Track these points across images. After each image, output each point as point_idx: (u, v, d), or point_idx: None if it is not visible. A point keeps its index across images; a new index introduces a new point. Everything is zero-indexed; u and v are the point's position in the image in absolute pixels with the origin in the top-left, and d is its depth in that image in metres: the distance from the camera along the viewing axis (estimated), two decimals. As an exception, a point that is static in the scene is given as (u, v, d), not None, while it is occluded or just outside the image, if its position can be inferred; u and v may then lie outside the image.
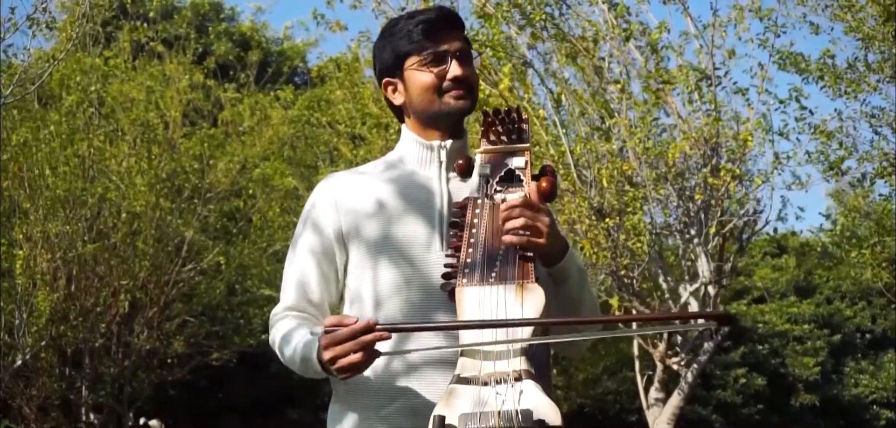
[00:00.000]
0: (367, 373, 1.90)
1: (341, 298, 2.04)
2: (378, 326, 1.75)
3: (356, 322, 1.75)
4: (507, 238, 1.79)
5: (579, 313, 1.91)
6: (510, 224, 1.79)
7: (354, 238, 1.98)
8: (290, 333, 1.93)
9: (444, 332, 1.85)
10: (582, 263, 2.01)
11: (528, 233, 1.79)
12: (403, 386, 1.88)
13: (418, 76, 1.98)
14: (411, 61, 1.99)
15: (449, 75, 1.97)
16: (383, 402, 1.89)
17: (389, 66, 2.03)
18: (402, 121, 2.08)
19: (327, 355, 1.76)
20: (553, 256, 1.85)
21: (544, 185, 1.90)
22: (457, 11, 2.18)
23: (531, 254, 1.81)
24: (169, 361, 10.23)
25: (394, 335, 1.87)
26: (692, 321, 6.17)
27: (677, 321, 6.65)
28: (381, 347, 1.81)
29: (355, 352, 1.74)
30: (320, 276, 1.99)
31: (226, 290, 10.84)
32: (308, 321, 1.96)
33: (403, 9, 7.69)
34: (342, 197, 2.00)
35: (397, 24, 2.04)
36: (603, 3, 7.49)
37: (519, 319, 1.71)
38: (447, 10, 2.09)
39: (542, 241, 1.80)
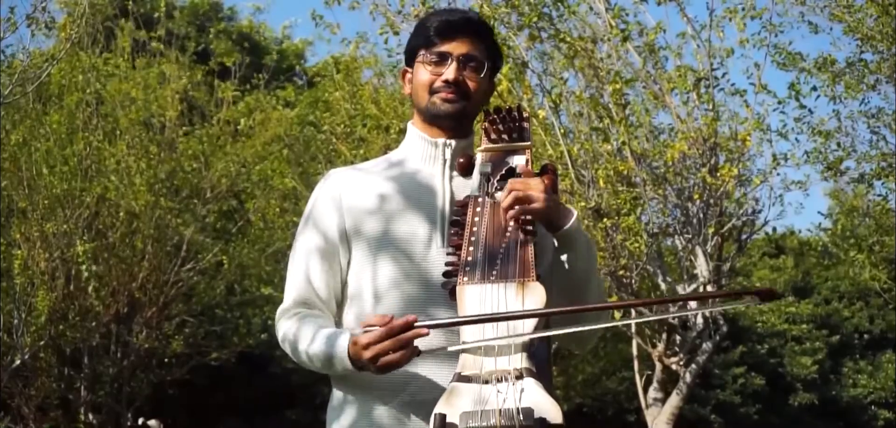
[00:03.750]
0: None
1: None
2: (417, 323, 1.75)
3: (392, 320, 1.75)
4: (507, 214, 1.80)
5: (586, 296, 1.90)
6: (504, 202, 1.80)
7: (356, 236, 1.98)
8: (307, 330, 1.93)
9: (444, 328, 1.85)
10: (589, 238, 2.00)
11: (521, 202, 1.80)
12: (403, 381, 1.88)
13: (419, 71, 2.03)
14: (420, 55, 2.03)
15: (442, 77, 1.99)
16: (383, 397, 1.89)
17: (408, 57, 2.09)
18: None
19: (368, 354, 1.75)
20: (555, 220, 1.85)
21: (545, 183, 1.90)
22: (487, 24, 2.19)
23: (531, 227, 1.80)
24: (168, 360, 10.22)
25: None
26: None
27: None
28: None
29: (396, 349, 1.74)
30: (324, 272, 1.99)
31: (225, 290, 10.84)
32: (320, 317, 1.96)
33: (400, 11, 7.69)
34: (344, 195, 2.01)
35: (428, 15, 2.10)
36: (600, 3, 7.49)
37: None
38: (471, 16, 2.12)
39: (537, 205, 1.80)
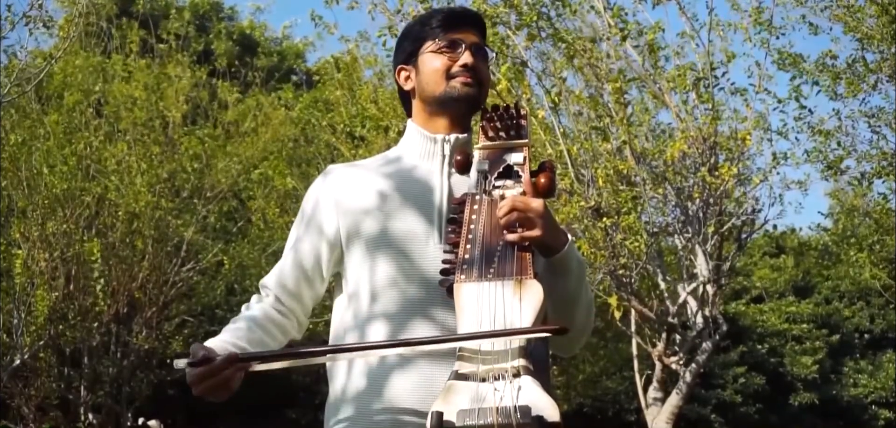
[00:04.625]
0: (363, 367, 1.91)
1: (340, 292, 2.05)
2: (237, 356, 1.80)
3: (216, 359, 1.79)
4: (507, 236, 1.80)
5: (574, 312, 1.91)
6: (503, 221, 1.80)
7: (354, 237, 1.98)
8: (232, 322, 2.01)
9: (440, 325, 1.86)
10: (583, 259, 2.00)
11: (520, 227, 1.79)
12: (398, 379, 1.88)
13: (430, 60, 2.03)
14: (427, 46, 2.04)
15: (459, 62, 2.01)
16: (380, 397, 1.89)
17: (406, 55, 2.08)
18: (409, 115, 2.10)
19: (194, 391, 1.82)
20: (550, 246, 1.85)
21: (542, 181, 1.89)
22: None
23: (528, 244, 1.80)
24: (168, 360, 10.22)
25: (389, 330, 1.88)
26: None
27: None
28: (382, 341, 1.84)
29: (216, 388, 1.80)
30: (300, 271, 2.03)
31: (225, 290, 10.84)
32: (256, 313, 2.02)
33: (399, 10, 7.69)
34: (342, 196, 2.01)
35: (422, 18, 2.12)
36: (600, 2, 7.49)
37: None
38: (470, 10, 2.16)
39: (536, 232, 1.80)
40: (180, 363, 1.83)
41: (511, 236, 1.79)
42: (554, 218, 1.88)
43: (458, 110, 2.02)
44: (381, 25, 7.83)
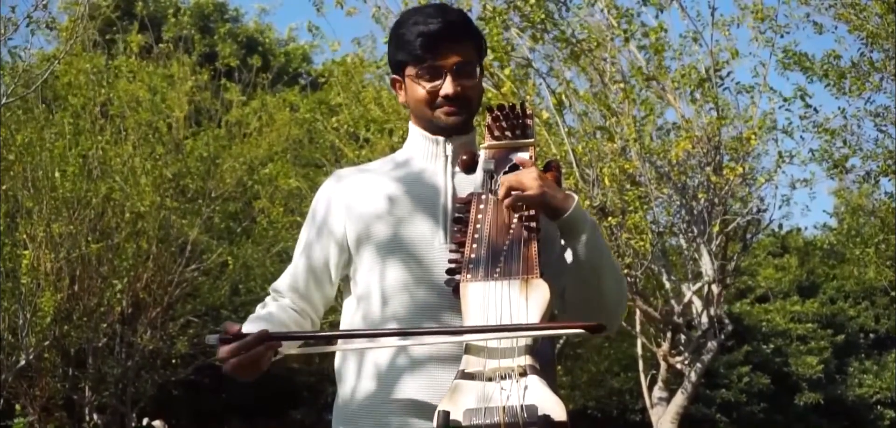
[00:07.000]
0: (372, 370, 1.91)
1: (349, 294, 2.05)
2: (269, 333, 1.82)
3: (247, 337, 1.81)
4: (505, 203, 1.81)
5: (602, 284, 1.87)
6: (505, 203, 1.81)
7: (364, 241, 1.98)
8: (251, 318, 2.03)
9: (448, 327, 1.85)
10: (594, 220, 1.98)
11: (515, 190, 1.79)
12: (407, 381, 1.88)
13: (414, 87, 1.99)
14: (409, 70, 2.00)
15: (442, 92, 1.96)
16: (387, 397, 1.89)
17: (394, 67, 2.06)
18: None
19: (225, 367, 1.84)
20: (554, 206, 1.83)
21: (548, 179, 1.89)
22: (465, 16, 2.11)
23: (534, 221, 1.80)
24: (172, 361, 10.24)
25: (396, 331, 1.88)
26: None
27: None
28: (390, 341, 1.85)
29: (247, 363, 1.81)
30: (311, 274, 2.04)
31: (229, 290, 10.84)
32: (274, 309, 2.04)
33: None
34: (352, 200, 2.01)
35: (403, 24, 2.01)
36: (603, 6, 7.48)
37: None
38: (452, 18, 2.01)
39: (531, 192, 1.79)
40: (212, 338, 1.85)
41: (507, 200, 1.80)
42: (554, 183, 1.87)
43: (450, 132, 2.01)
44: (369, 33, 7.83)
